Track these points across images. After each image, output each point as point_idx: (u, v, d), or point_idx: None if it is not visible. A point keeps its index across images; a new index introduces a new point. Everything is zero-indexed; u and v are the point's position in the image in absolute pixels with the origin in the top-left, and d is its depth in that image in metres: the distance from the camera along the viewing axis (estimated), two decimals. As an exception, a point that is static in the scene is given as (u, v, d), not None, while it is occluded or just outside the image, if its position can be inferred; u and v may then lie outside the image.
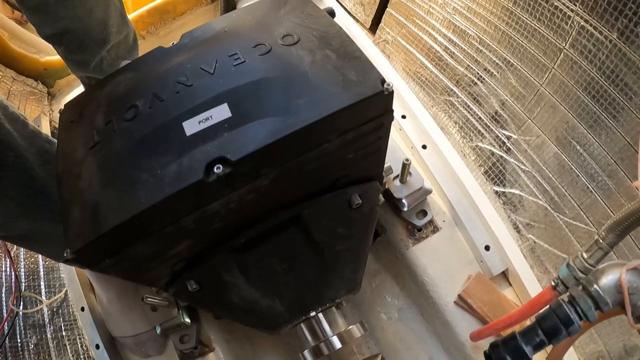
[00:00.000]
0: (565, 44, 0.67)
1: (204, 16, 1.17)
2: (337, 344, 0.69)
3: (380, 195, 0.71)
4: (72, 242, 0.50)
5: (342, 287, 0.70)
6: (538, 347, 0.45)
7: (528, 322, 0.55)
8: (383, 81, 0.51)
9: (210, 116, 0.51)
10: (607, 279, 0.43)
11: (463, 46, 0.82)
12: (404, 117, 0.89)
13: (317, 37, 0.57)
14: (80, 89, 1.11)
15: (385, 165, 0.77)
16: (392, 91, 0.52)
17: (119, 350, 0.81)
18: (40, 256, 0.88)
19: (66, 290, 0.84)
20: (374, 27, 1.00)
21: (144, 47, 1.23)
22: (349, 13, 1.05)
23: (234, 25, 0.62)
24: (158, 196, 0.48)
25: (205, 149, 0.49)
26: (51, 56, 1.15)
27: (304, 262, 0.66)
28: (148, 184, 0.49)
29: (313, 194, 0.63)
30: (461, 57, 0.82)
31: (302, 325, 0.73)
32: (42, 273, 0.85)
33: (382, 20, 0.97)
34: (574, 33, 0.66)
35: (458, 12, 0.81)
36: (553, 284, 0.54)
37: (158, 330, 0.77)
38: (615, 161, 0.65)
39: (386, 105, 0.54)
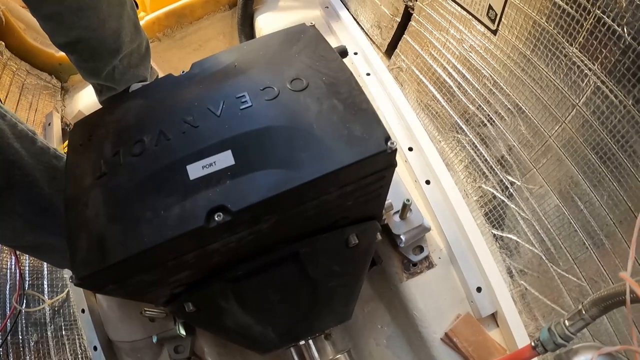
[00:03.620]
0: (579, 101, 0.66)
1: (221, 22, 1.16)
2: (324, 372, 0.71)
3: (378, 234, 0.72)
4: (77, 269, 0.52)
5: (333, 319, 0.72)
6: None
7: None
8: (387, 139, 0.51)
9: (214, 162, 0.51)
10: (579, 358, 0.44)
11: (476, 85, 0.81)
12: (410, 149, 0.88)
13: (326, 84, 0.56)
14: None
15: (386, 202, 0.77)
16: (396, 149, 0.52)
17: (116, 353, 0.84)
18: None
19: (68, 291, 0.86)
20: (390, 51, 0.99)
21: (160, 49, 1.24)
22: (366, 34, 1.03)
23: (244, 60, 0.61)
24: (161, 237, 0.49)
25: (208, 195, 0.50)
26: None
27: (298, 295, 0.67)
28: (152, 224, 0.50)
29: (311, 233, 0.64)
30: (473, 95, 0.81)
31: (292, 350, 0.75)
32: (45, 272, 0.88)
33: (398, 46, 0.95)
34: (589, 92, 0.64)
35: (475, 50, 0.80)
36: (533, 344, 0.55)
37: (154, 340, 0.80)
38: (614, 222, 0.65)
39: (389, 162, 0.54)
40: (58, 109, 1.11)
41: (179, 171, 0.52)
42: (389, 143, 0.51)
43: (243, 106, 0.54)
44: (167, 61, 1.18)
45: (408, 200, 0.74)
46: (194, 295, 0.65)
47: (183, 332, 0.80)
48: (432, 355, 0.77)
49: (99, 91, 0.94)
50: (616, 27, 0.59)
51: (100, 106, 0.96)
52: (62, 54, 1.19)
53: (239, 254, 0.61)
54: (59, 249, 0.72)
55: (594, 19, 0.62)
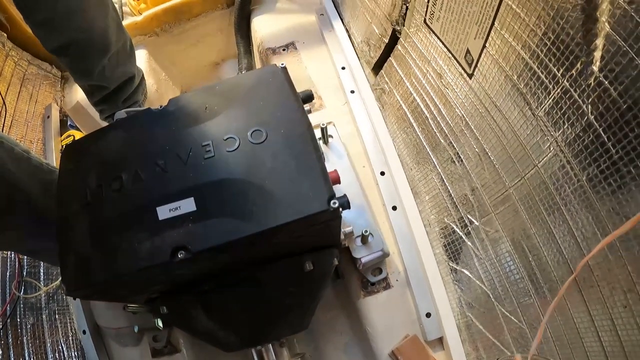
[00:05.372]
0: (539, 163, 0.73)
1: (219, 19, 1.22)
2: (279, 374, 0.85)
3: (335, 259, 0.83)
4: (67, 283, 0.66)
5: (289, 329, 0.85)
6: None
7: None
8: (331, 198, 0.61)
9: (179, 206, 0.62)
10: None
11: (450, 122, 0.87)
12: (382, 173, 0.97)
13: (284, 137, 0.65)
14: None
15: (347, 229, 0.87)
16: (338, 207, 0.61)
17: (102, 337, 1.00)
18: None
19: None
20: (377, 69, 1.04)
21: (158, 44, 1.31)
22: (356, 48, 1.08)
23: (214, 104, 0.70)
24: (134, 267, 0.62)
25: (173, 234, 0.62)
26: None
27: (256, 309, 0.80)
28: (126, 254, 0.63)
29: (269, 260, 0.75)
30: (446, 131, 0.88)
31: (253, 350, 0.88)
32: (40, 264, 1.04)
33: (384, 67, 1.01)
34: (548, 156, 0.70)
35: (451, 87, 0.85)
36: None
37: (136, 329, 0.95)
38: (557, 280, 0.73)
39: (333, 216, 0.64)
40: (57, 100, 1.22)
41: (150, 211, 0.63)
42: (331, 203, 0.61)
43: (207, 155, 0.64)
44: (165, 55, 1.25)
45: (366, 231, 0.84)
46: (167, 300, 0.79)
47: (160, 324, 0.95)
48: (380, 367, 0.90)
49: (90, 93, 1.04)
50: (581, 102, 0.65)
51: (92, 108, 1.07)
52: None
53: (203, 275, 0.74)
54: (55, 252, 0.86)
55: (561, 90, 0.67)
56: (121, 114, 0.76)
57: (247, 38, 1.20)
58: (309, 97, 0.74)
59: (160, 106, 0.73)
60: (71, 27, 0.83)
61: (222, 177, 0.63)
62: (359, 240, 0.89)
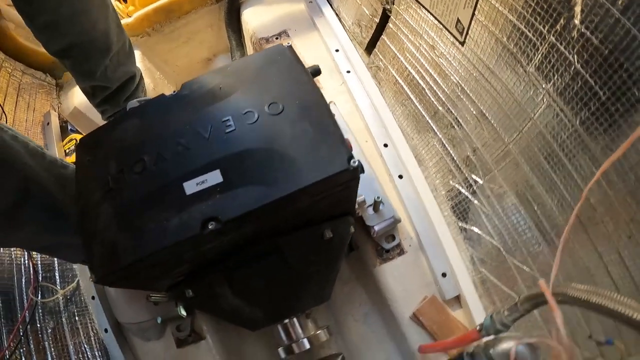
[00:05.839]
0: (534, 115, 0.79)
1: (209, 15, 1.25)
2: (306, 345, 0.88)
3: (352, 227, 0.87)
4: (95, 271, 0.68)
5: (312, 300, 0.88)
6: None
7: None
8: (350, 158, 0.65)
9: (206, 180, 0.65)
10: (502, 347, 0.60)
11: (446, 89, 0.93)
12: (385, 145, 1.01)
13: (299, 107, 0.69)
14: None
15: (360, 198, 0.92)
16: (357, 166, 0.65)
17: (124, 334, 1.02)
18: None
19: (78, 281, 1.03)
20: (370, 48, 1.09)
21: (150, 43, 1.34)
22: (348, 31, 1.13)
23: (228, 83, 0.74)
24: (163, 243, 0.64)
25: (201, 207, 0.65)
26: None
27: (280, 281, 0.83)
28: (156, 232, 0.65)
29: (291, 230, 0.79)
30: (443, 99, 0.94)
31: (279, 326, 0.91)
32: (56, 265, 1.04)
33: (377, 46, 1.06)
34: (542, 108, 0.77)
35: (445, 57, 0.91)
36: (478, 328, 0.71)
37: (159, 320, 0.97)
38: (563, 222, 0.79)
39: (353, 176, 0.68)
40: (55, 107, 1.23)
41: (176, 187, 0.66)
42: (351, 162, 0.65)
43: (228, 130, 0.68)
44: (157, 54, 1.28)
45: (378, 197, 0.89)
46: (192, 283, 0.81)
47: (184, 312, 0.97)
48: (402, 332, 0.94)
49: (91, 94, 1.07)
50: (567, 54, 0.71)
51: (94, 109, 1.09)
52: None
53: (229, 250, 0.77)
54: (71, 246, 0.87)
55: (548, 45, 0.74)
56: (133, 103, 0.78)
57: (238, 31, 1.24)
58: (316, 72, 0.79)
59: (174, 91, 0.76)
60: (75, 29, 0.85)
61: (245, 148, 0.66)
62: (370, 209, 0.94)
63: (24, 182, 0.74)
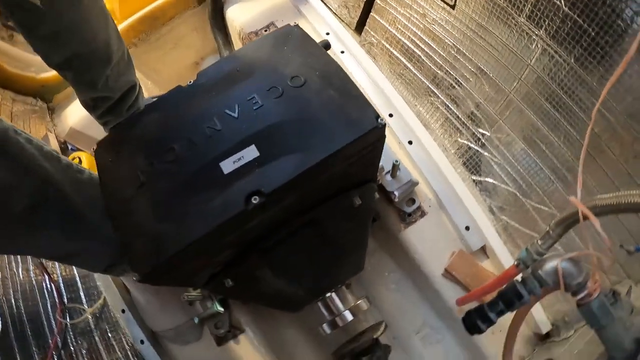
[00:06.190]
0: (531, 61, 0.85)
1: (193, 18, 1.27)
2: (349, 317, 0.91)
3: (376, 193, 0.91)
4: (139, 267, 0.67)
5: (350, 270, 0.91)
6: (500, 314, 0.67)
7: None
8: (377, 117, 0.68)
9: (242, 156, 0.67)
10: (549, 266, 0.64)
11: (442, 53, 0.98)
12: (391, 115, 1.06)
13: (320, 77, 0.72)
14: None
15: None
16: (385, 124, 0.69)
17: (161, 342, 1.01)
18: (74, 268, 1.05)
19: (104, 297, 1.02)
20: (359, 28, 1.14)
21: (138, 53, 1.35)
22: (335, 14, 1.18)
23: (245, 65, 0.76)
24: (209, 226, 0.65)
25: (242, 184, 0.66)
26: (46, 72, 1.24)
27: (319, 254, 0.85)
28: (199, 217, 0.66)
29: (323, 200, 0.81)
30: (440, 62, 0.99)
31: (319, 303, 0.93)
32: (79, 284, 1.02)
33: (367, 23, 1.10)
34: (537, 53, 0.83)
35: (437, 22, 0.97)
36: (516, 263, 0.75)
37: (196, 320, 0.97)
38: (572, 159, 0.85)
39: (380, 134, 0.71)
40: (50, 130, 1.21)
41: (213, 169, 0.67)
42: (379, 120, 0.68)
43: (255, 106, 0.70)
44: (146, 63, 1.28)
45: (396, 161, 0.93)
46: (231, 271, 0.82)
47: (220, 308, 0.98)
48: (436, 290, 0.98)
49: (93, 106, 1.06)
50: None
51: (90, 126, 1.08)
52: (44, 75, 1.29)
53: (269, 228, 0.78)
54: (91, 252, 0.85)
55: (536, -7, 0.81)
56: (149, 99, 0.80)
57: (224, 30, 1.26)
58: (327, 46, 0.82)
59: (190, 81, 0.78)
60: (76, 39, 0.84)
61: (276, 121, 0.68)
62: (388, 175, 0.98)
63: (40, 184, 0.73)
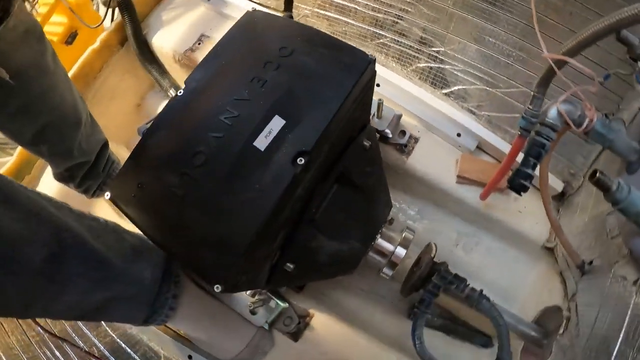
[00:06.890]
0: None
1: (120, 62, 1.25)
2: (403, 252, 0.97)
3: (375, 133, 0.99)
4: (217, 277, 0.68)
5: (386, 207, 0.98)
6: (533, 167, 0.78)
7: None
8: (366, 54, 0.77)
9: (271, 129, 0.71)
10: (551, 113, 0.76)
11: (373, -3, 1.09)
12: (352, 70, 1.14)
13: (303, 41, 0.78)
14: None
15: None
16: (375, 57, 0.77)
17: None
18: (117, 338, 1.00)
19: (163, 354, 0.98)
20: (289, 7, 1.21)
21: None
22: (259, 4, 1.24)
23: (228, 58, 0.79)
24: (270, 203, 0.68)
25: (282, 152, 0.69)
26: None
27: (356, 204, 0.90)
28: (256, 199, 0.69)
29: (340, 154, 0.87)
30: (376, 6, 1.10)
31: (371, 253, 0.98)
32: (124, 346, 0.97)
33: (295, -1, 1.18)
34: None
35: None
36: (519, 133, 0.87)
37: (266, 326, 0.98)
38: (521, 39, 1.00)
39: (373, 69, 0.79)
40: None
41: (250, 150, 0.70)
42: (369, 56, 0.77)
43: (261, 84, 0.74)
44: (91, 122, 1.24)
45: (380, 100, 1.02)
46: (289, 253, 0.85)
47: (281, 303, 1.00)
48: (458, 198, 1.08)
49: (70, 177, 1.02)
50: None
51: (70, 192, 1.04)
52: (15, 159, 1.17)
53: (306, 198, 0.82)
54: (127, 298, 0.81)
55: None
56: (144, 126, 0.80)
57: (156, 61, 1.26)
58: (291, 17, 0.89)
59: (180, 91, 0.79)
60: (46, 107, 0.82)
61: (286, 89, 0.73)
62: (375, 118, 1.06)
63: (55, 232, 0.68)
